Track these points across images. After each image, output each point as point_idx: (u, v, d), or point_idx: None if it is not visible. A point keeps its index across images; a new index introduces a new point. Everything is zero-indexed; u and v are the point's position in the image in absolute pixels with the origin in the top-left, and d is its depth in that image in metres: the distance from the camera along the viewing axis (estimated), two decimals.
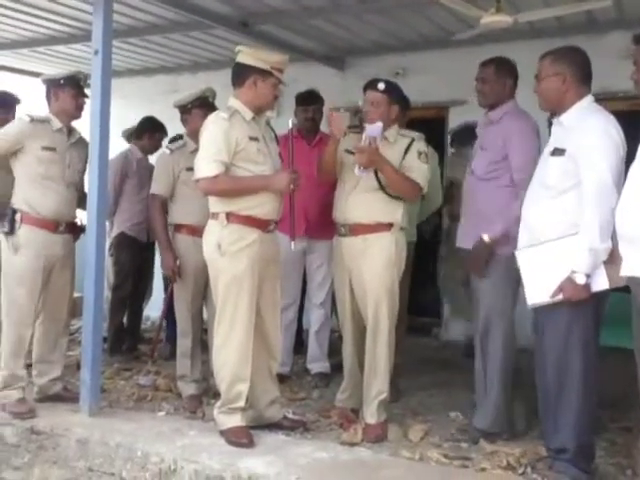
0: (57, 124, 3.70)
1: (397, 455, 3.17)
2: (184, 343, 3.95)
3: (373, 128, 3.31)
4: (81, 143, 3.84)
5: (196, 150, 3.84)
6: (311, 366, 4.58)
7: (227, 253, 3.19)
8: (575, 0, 4.19)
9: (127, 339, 5.13)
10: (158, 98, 6.76)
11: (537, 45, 5.20)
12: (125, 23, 5.26)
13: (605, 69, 4.23)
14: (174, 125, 5.09)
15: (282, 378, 4.39)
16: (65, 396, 3.81)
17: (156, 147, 5.14)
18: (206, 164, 3.18)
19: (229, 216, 3.21)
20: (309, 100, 4.53)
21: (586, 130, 2.73)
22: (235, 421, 3.25)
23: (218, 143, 3.17)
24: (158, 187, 3.96)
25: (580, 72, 2.85)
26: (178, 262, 3.85)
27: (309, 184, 4.21)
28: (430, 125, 5.85)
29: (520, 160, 3.19)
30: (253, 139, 3.25)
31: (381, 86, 3.44)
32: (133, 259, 4.99)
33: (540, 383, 2.92)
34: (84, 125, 3.73)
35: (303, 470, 2.94)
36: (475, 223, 3.34)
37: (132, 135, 5.27)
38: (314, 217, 4.32)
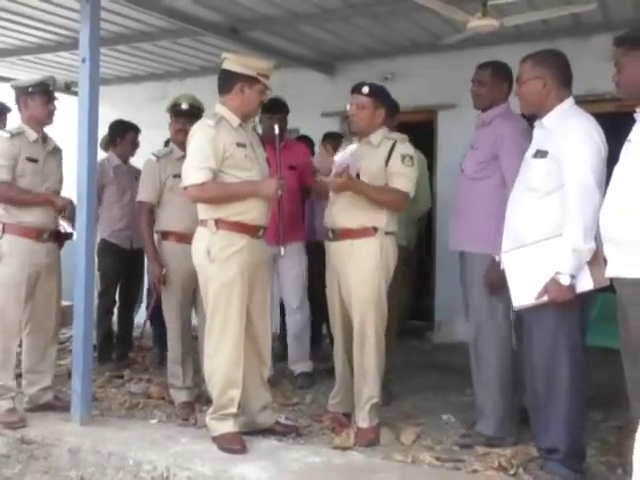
0: (32, 135, 3.69)
1: (390, 458, 3.17)
2: (174, 351, 3.95)
3: (343, 157, 3.27)
4: (56, 150, 3.85)
5: (183, 157, 3.86)
6: (294, 367, 4.60)
7: (216, 260, 3.19)
8: (561, 3, 4.23)
9: (117, 347, 5.11)
10: (147, 105, 6.77)
11: (524, 48, 5.19)
12: (113, 31, 5.26)
13: (591, 71, 4.29)
14: (164, 132, 5.10)
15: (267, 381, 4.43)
16: (56, 405, 3.80)
17: (133, 148, 5.13)
18: (193, 172, 3.18)
19: (218, 222, 3.21)
20: (274, 109, 4.52)
21: (568, 132, 2.75)
22: (227, 427, 3.24)
23: (205, 150, 3.17)
24: (145, 194, 3.97)
25: (561, 75, 2.88)
26: (164, 270, 3.85)
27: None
28: (419, 129, 5.89)
29: (510, 162, 3.19)
30: (240, 145, 3.26)
31: (365, 90, 3.45)
32: (115, 265, 4.93)
33: (529, 384, 2.94)
34: (72, 132, 3.72)
35: (296, 475, 2.94)
36: (464, 224, 3.36)
37: (108, 143, 5.23)
38: (285, 223, 4.32)
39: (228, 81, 3.29)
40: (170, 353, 3.97)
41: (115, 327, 5.27)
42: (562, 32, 5.18)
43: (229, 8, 4.78)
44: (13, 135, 3.64)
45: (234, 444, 3.19)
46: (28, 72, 6.51)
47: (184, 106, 4.03)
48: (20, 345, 4.15)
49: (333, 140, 4.83)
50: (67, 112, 4.15)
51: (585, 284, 2.68)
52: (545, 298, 2.72)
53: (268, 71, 3.30)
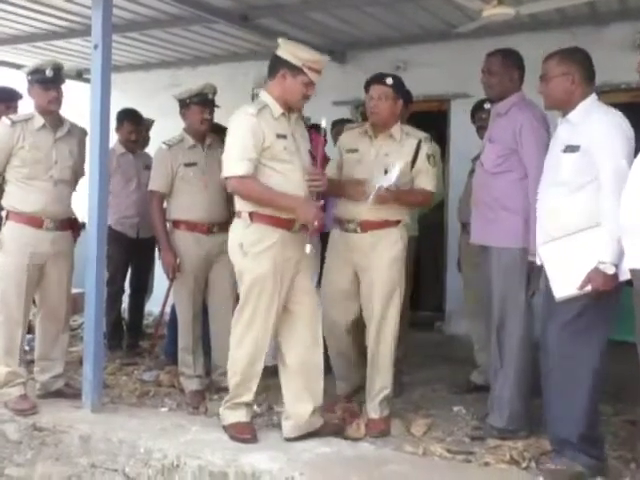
0: (39, 121, 3.63)
1: (400, 450, 3.16)
2: (185, 339, 3.94)
3: (387, 179, 3.25)
4: (71, 135, 3.75)
5: (194, 146, 3.85)
6: None
7: (249, 254, 3.12)
8: None
9: (128, 335, 5.11)
10: (158, 93, 6.74)
11: (539, 37, 5.24)
12: (125, 17, 5.23)
13: (607, 61, 4.21)
14: (175, 120, 5.08)
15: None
16: (67, 392, 3.81)
17: (130, 137, 4.99)
18: (234, 163, 3.07)
19: (252, 215, 3.12)
20: None
21: (596, 124, 2.75)
22: (240, 416, 3.24)
23: (246, 140, 3.06)
24: (156, 183, 3.92)
25: (586, 72, 2.88)
26: (178, 260, 3.82)
27: None
28: (432, 118, 5.84)
29: (532, 153, 3.18)
30: (280, 136, 3.14)
31: (389, 80, 3.43)
32: (121, 254, 4.88)
33: (548, 372, 2.91)
34: (84, 120, 3.71)
35: (306, 465, 2.94)
36: (488, 220, 3.36)
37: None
38: None
39: (274, 66, 3.20)
40: (181, 341, 3.97)
41: (126, 315, 5.29)
42: (578, 21, 5.12)
43: None
44: (15, 122, 3.58)
45: (245, 433, 3.19)
46: (39, 59, 6.50)
47: (210, 96, 3.97)
48: (31, 332, 4.20)
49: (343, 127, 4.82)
50: (79, 99, 4.13)
51: (626, 272, 2.62)
52: (588, 288, 2.70)
53: (316, 64, 3.14)
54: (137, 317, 5.20)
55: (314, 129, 5.10)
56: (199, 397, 3.87)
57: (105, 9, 3.59)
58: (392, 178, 3.25)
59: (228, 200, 3.74)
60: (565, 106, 2.89)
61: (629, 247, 2.47)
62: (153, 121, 5.39)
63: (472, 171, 4.26)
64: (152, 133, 5.38)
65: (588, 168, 2.73)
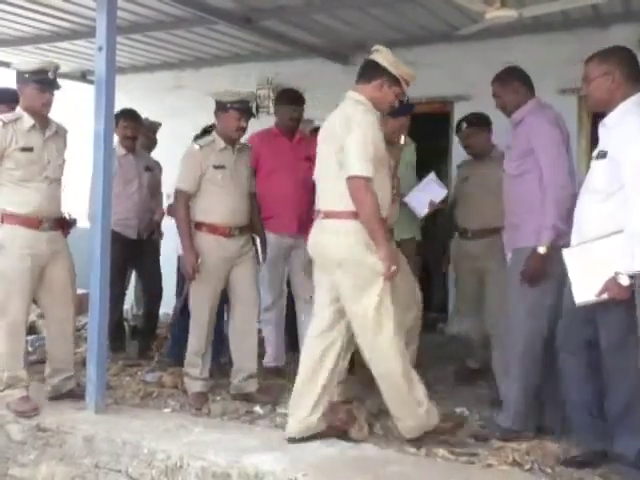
0: (29, 121, 3.56)
1: (403, 451, 3.16)
2: (198, 342, 3.90)
3: (439, 193, 3.61)
4: (57, 135, 3.73)
5: (224, 148, 3.87)
6: None
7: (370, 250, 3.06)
8: None
9: (140, 340, 5.10)
10: (162, 94, 6.78)
11: (542, 39, 5.24)
12: (129, 19, 5.24)
13: None
14: (178, 121, 5.11)
15: (279, 371, 4.44)
16: (79, 393, 3.78)
17: (125, 132, 4.89)
18: (362, 163, 3.00)
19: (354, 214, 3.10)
20: (300, 101, 4.49)
21: (624, 129, 2.71)
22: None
23: (369, 140, 3.04)
24: (184, 183, 3.85)
25: (627, 70, 2.82)
26: (199, 260, 3.78)
27: (294, 182, 4.26)
28: (435, 120, 5.85)
29: (545, 152, 3.23)
30: (381, 141, 3.16)
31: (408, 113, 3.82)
32: (120, 255, 4.69)
33: (608, 389, 2.88)
34: (88, 122, 3.71)
35: (310, 466, 2.94)
36: (511, 224, 3.44)
37: None
38: (303, 214, 4.36)
39: (372, 72, 3.22)
40: (193, 343, 3.92)
41: (129, 316, 5.29)
42: (581, 23, 5.11)
43: None
44: (6, 123, 3.52)
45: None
46: (39, 60, 6.52)
47: (250, 104, 3.95)
48: (33, 333, 4.20)
49: None
50: (83, 100, 4.14)
51: None
52: (605, 296, 2.70)
53: (411, 78, 3.24)
54: (151, 323, 5.16)
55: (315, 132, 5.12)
56: (202, 399, 3.88)
57: (109, 11, 3.60)
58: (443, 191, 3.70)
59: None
60: (607, 106, 2.86)
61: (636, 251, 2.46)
62: (160, 124, 5.39)
63: (465, 178, 4.43)
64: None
65: (616, 174, 2.70)
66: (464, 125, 4.42)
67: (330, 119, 3.26)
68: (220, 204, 3.78)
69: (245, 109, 3.85)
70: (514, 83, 3.44)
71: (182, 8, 4.83)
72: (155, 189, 5.13)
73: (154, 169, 5.16)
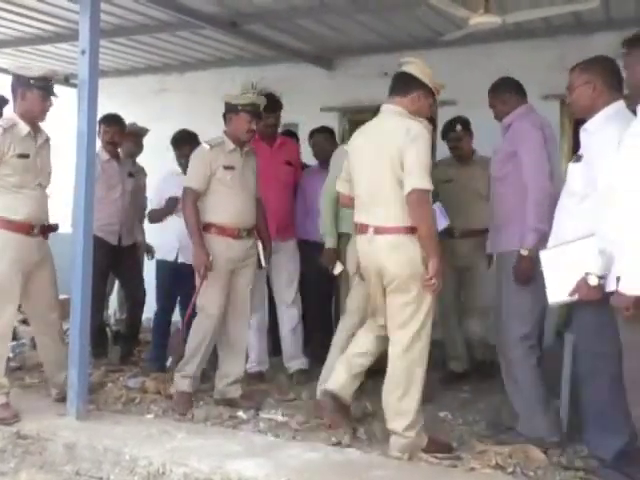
0: (24, 128, 3.58)
1: (387, 455, 3.16)
2: (203, 339, 3.83)
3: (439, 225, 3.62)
4: (47, 142, 3.75)
5: (234, 150, 3.86)
6: (289, 364, 4.59)
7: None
8: (563, 1, 4.21)
9: (122, 345, 5.06)
10: (146, 98, 6.75)
11: (525, 46, 5.29)
12: (112, 22, 5.22)
13: None
14: (163, 125, 5.08)
15: (262, 376, 4.43)
16: None
17: (106, 137, 4.84)
18: (424, 176, 3.03)
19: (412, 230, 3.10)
20: (274, 107, 4.46)
21: (604, 136, 2.75)
22: None
23: (429, 155, 3.10)
24: (193, 181, 3.82)
25: (608, 78, 2.87)
26: (211, 258, 3.73)
27: (274, 187, 4.27)
28: None
29: (528, 158, 3.28)
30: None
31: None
32: (102, 260, 4.53)
33: (580, 386, 2.93)
34: (71, 126, 3.69)
35: (293, 471, 2.93)
36: (495, 227, 3.51)
37: None
38: (282, 219, 4.38)
39: (408, 85, 3.22)
40: (196, 340, 3.83)
41: (111, 322, 5.25)
42: (564, 30, 5.17)
43: (229, 1, 4.75)
44: (5, 129, 3.52)
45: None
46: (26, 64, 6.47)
47: (261, 108, 3.95)
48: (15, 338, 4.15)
49: (324, 136, 4.88)
50: (66, 104, 4.11)
51: (614, 285, 2.60)
52: (576, 296, 2.74)
53: (442, 89, 3.29)
54: (134, 328, 5.11)
55: (289, 136, 5.11)
56: (186, 400, 3.84)
57: (93, 14, 3.57)
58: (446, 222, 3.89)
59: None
60: (589, 113, 2.91)
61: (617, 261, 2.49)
62: (147, 130, 5.37)
63: (449, 180, 4.48)
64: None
65: (591, 178, 2.74)
66: (459, 127, 4.49)
67: (373, 133, 3.25)
68: (229, 205, 3.79)
69: (256, 112, 3.89)
70: (504, 95, 3.55)
71: (167, 12, 4.82)
72: (139, 195, 5.10)
73: (138, 175, 5.14)
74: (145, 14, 5.05)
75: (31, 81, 3.58)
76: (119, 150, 5.01)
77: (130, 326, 5.09)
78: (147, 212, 4.89)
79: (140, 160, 5.31)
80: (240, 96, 3.95)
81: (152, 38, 5.73)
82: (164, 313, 4.70)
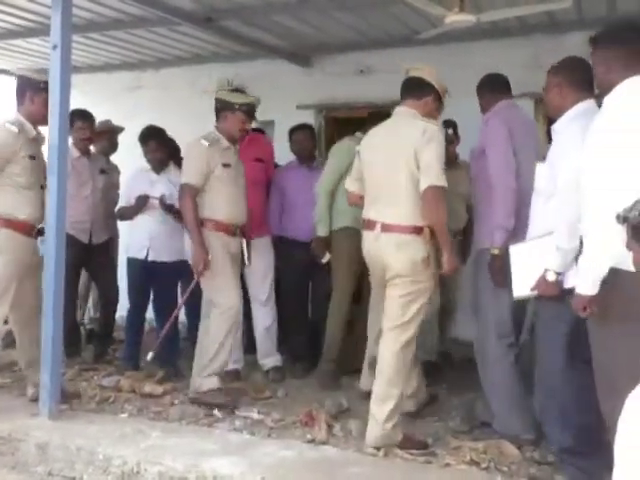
0: (32, 130, 3.67)
1: (362, 452, 3.17)
2: (228, 336, 3.79)
3: None
4: (43, 145, 3.79)
5: (228, 148, 3.87)
6: (264, 362, 4.59)
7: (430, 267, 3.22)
8: (537, 1, 4.25)
9: (97, 344, 5.01)
10: (120, 95, 6.67)
11: (500, 44, 5.33)
12: (85, 17, 5.15)
13: None
14: (138, 122, 5.03)
15: (238, 374, 4.42)
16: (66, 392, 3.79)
17: (80, 134, 4.77)
18: (440, 174, 3.15)
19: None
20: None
21: (566, 137, 2.78)
22: None
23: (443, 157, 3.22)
24: (192, 177, 3.78)
25: (574, 78, 2.89)
26: (210, 256, 3.72)
27: (247, 185, 4.26)
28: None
29: (493, 155, 3.31)
30: None
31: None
32: (73, 258, 4.40)
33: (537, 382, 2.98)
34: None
35: (268, 469, 2.93)
36: (475, 224, 3.56)
37: None
38: (256, 216, 4.37)
39: (421, 89, 3.36)
40: (220, 338, 3.79)
41: (85, 321, 5.19)
42: (538, 29, 5.22)
43: None
44: (19, 131, 3.60)
45: None
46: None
47: (255, 109, 3.97)
48: None
49: (305, 133, 4.87)
50: None
51: (572, 282, 2.64)
52: (536, 292, 2.80)
53: (446, 94, 3.46)
54: (107, 327, 5.06)
55: (259, 133, 5.08)
56: (225, 393, 3.80)
57: (65, 9, 3.53)
58: None
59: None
60: (560, 113, 2.93)
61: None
62: (123, 128, 5.31)
63: None
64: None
65: (554, 177, 2.77)
66: (450, 131, 4.51)
67: (388, 134, 3.35)
68: (227, 202, 3.81)
69: (251, 112, 3.91)
70: (482, 91, 3.61)
71: (142, 7, 4.76)
72: (111, 192, 5.05)
73: (111, 172, 5.09)
74: (119, 9, 4.99)
75: (41, 85, 3.63)
76: (90, 147, 4.95)
77: (104, 325, 5.05)
78: (117, 209, 4.84)
79: (115, 158, 5.26)
80: (238, 95, 3.95)
81: (127, 34, 5.66)
82: (136, 311, 4.67)
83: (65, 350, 4.62)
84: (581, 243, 2.49)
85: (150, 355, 3.89)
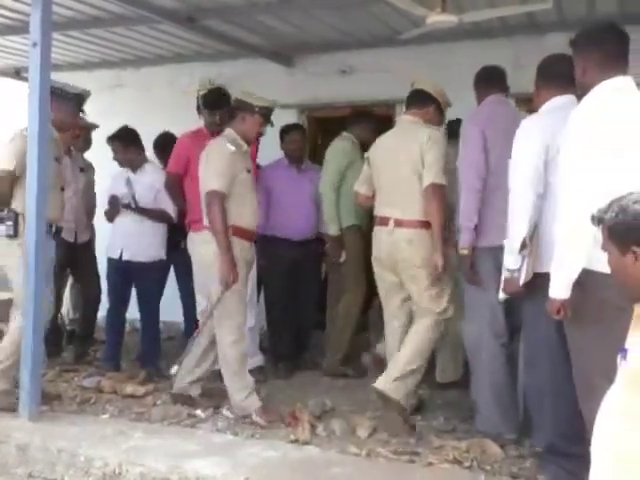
0: (55, 134, 3.76)
1: (345, 452, 3.17)
2: (241, 347, 3.76)
3: None
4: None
5: (246, 152, 3.81)
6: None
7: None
8: (518, 2, 4.28)
9: (77, 345, 4.97)
10: (101, 93, 6.58)
11: (481, 45, 5.36)
12: (66, 15, 5.09)
13: None
14: (118, 121, 4.98)
15: (220, 374, 4.40)
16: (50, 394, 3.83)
17: (77, 136, 4.70)
18: (440, 174, 3.50)
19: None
20: (217, 105, 4.30)
21: (518, 131, 2.82)
22: None
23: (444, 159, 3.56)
24: (221, 184, 3.59)
25: (543, 76, 2.93)
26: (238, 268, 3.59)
27: None
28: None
29: (464, 155, 3.37)
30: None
31: None
32: (58, 258, 4.35)
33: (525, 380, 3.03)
34: (22, 120, 3.59)
35: (251, 469, 2.92)
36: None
37: None
38: None
39: (424, 100, 3.72)
40: (239, 349, 3.73)
41: (66, 320, 5.14)
42: (519, 30, 5.25)
43: None
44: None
45: None
46: None
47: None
48: None
49: (299, 133, 4.89)
50: (17, 98, 4.02)
51: (525, 276, 2.70)
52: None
53: (448, 107, 3.82)
54: (88, 327, 5.02)
55: None
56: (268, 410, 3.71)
57: (44, 6, 3.50)
58: None
59: None
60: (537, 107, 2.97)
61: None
62: (97, 125, 5.26)
63: None
64: (93, 135, 5.25)
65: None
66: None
67: (397, 139, 3.70)
68: (250, 208, 3.73)
69: (269, 116, 3.86)
70: (479, 86, 3.65)
71: (122, 6, 4.73)
72: (90, 191, 5.02)
73: (88, 170, 5.06)
74: (100, 7, 4.93)
75: (69, 96, 3.77)
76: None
77: (85, 325, 5.01)
78: (104, 212, 4.79)
79: (89, 157, 5.21)
80: (258, 97, 3.85)
81: (107, 32, 5.60)
82: (115, 311, 4.65)
83: (46, 350, 4.60)
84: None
85: (175, 368, 3.70)
